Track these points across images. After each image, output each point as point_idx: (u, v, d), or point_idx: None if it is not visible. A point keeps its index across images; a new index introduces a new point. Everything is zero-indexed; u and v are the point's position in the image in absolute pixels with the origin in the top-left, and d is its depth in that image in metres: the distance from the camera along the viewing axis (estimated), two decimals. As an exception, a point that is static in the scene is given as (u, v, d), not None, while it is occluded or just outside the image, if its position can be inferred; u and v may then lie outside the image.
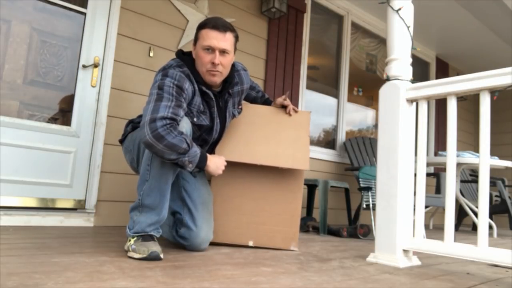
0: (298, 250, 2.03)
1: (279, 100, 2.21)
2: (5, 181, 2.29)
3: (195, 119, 1.78)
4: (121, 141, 1.98)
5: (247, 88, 2.07)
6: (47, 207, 2.44)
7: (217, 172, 1.74)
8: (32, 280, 1.07)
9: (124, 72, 2.73)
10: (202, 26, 1.77)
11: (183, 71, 1.71)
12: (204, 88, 1.78)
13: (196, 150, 1.61)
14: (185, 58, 1.80)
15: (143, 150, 1.68)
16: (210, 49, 1.73)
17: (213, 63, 1.72)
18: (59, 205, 2.48)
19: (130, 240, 1.57)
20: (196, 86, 1.75)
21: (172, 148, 1.52)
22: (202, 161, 1.64)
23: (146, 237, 1.56)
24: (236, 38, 1.83)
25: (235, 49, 1.84)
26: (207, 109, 1.83)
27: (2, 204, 2.26)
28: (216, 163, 1.72)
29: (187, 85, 1.69)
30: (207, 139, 1.91)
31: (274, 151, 2.04)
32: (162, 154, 1.53)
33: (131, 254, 1.52)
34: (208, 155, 1.69)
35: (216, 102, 1.85)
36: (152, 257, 1.48)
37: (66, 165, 2.51)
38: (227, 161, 1.89)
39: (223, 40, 1.73)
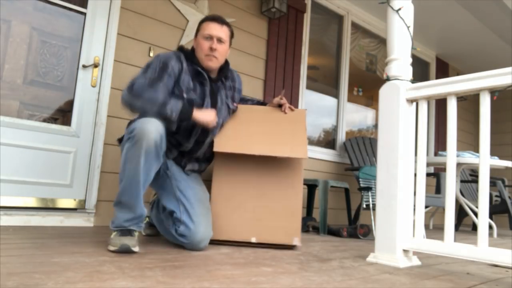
0: (300, 248, 2.03)
1: (276, 99, 2.30)
2: (5, 181, 2.29)
3: (184, 94, 1.90)
4: (120, 140, 1.99)
5: (239, 89, 2.23)
6: (47, 207, 2.44)
7: (207, 120, 1.86)
8: (32, 280, 1.07)
9: (124, 72, 2.73)
10: (203, 20, 2.04)
11: (175, 53, 1.95)
12: (199, 68, 1.97)
13: (177, 101, 1.80)
14: (183, 49, 2.02)
15: (124, 150, 1.71)
16: (209, 37, 1.97)
17: (211, 48, 1.95)
18: (59, 205, 2.48)
19: (111, 234, 1.69)
20: (185, 65, 1.93)
21: (151, 102, 1.74)
22: (186, 111, 1.80)
23: (124, 232, 1.67)
24: (232, 33, 2.08)
25: (230, 43, 2.09)
26: (198, 88, 1.97)
27: (2, 204, 2.26)
28: (203, 113, 1.87)
29: (173, 62, 1.89)
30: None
31: (272, 142, 2.07)
32: (144, 109, 1.74)
33: (109, 247, 1.63)
34: (195, 108, 1.84)
35: (209, 83, 2.00)
36: (123, 250, 1.58)
37: (66, 165, 2.51)
38: (226, 153, 2.01)
39: (221, 30, 1.99)
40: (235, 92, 2.19)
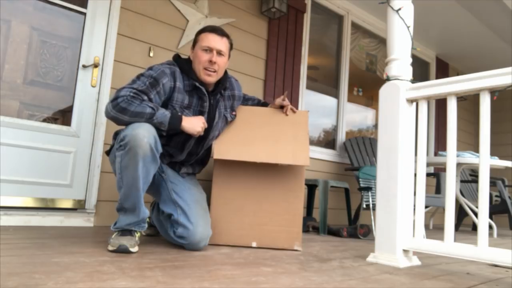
0: (301, 250, 2.03)
1: (278, 100, 2.23)
2: (5, 181, 2.29)
3: (179, 114, 1.83)
4: (108, 153, 1.96)
5: (239, 96, 2.16)
6: (47, 207, 2.44)
7: (195, 130, 1.80)
8: (32, 280, 1.07)
9: (124, 72, 2.73)
10: (201, 31, 1.95)
11: (169, 68, 1.84)
12: (197, 84, 1.88)
13: (163, 112, 1.72)
14: (179, 60, 1.94)
15: (117, 158, 1.70)
16: (208, 49, 1.88)
17: (210, 61, 1.87)
18: (59, 205, 2.48)
19: (113, 234, 1.69)
20: (178, 83, 1.85)
21: (138, 116, 1.66)
22: (175, 121, 1.74)
23: (124, 232, 1.68)
24: (231, 45, 2.00)
25: (229, 56, 2.01)
26: (196, 103, 1.91)
27: (2, 204, 2.26)
28: (191, 122, 1.80)
29: (165, 81, 1.80)
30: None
31: (274, 149, 2.03)
32: (132, 122, 1.66)
33: (108, 247, 1.63)
34: (183, 116, 1.78)
35: (208, 97, 1.94)
36: (120, 250, 1.58)
37: (66, 165, 2.51)
38: (227, 160, 1.92)
39: (221, 42, 1.91)
40: (235, 100, 2.13)
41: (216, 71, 1.90)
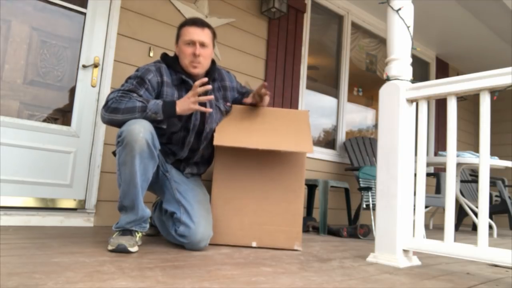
0: (301, 250, 2.03)
1: (258, 89, 2.10)
2: (5, 181, 2.29)
3: (171, 100, 1.84)
4: (115, 153, 1.96)
5: (231, 87, 2.16)
6: (47, 207, 2.44)
7: (190, 108, 1.77)
8: (32, 280, 1.06)
9: (124, 72, 2.72)
10: (182, 25, 1.97)
11: (155, 65, 1.90)
12: (184, 77, 1.92)
13: (155, 101, 1.74)
14: (166, 57, 1.98)
15: (116, 156, 1.73)
16: (191, 43, 1.91)
17: (194, 54, 1.89)
18: (59, 205, 2.48)
19: (113, 234, 1.70)
20: (166, 78, 1.89)
21: (130, 111, 1.69)
22: (169, 109, 1.74)
23: (125, 232, 1.69)
24: (214, 34, 2.01)
25: (214, 45, 2.02)
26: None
27: (2, 204, 2.26)
28: (182, 103, 1.77)
29: (150, 76, 1.84)
30: (188, 126, 1.93)
31: (275, 138, 2.01)
32: (127, 119, 1.67)
33: (108, 246, 1.63)
34: (176, 101, 1.78)
35: None
36: (119, 250, 1.57)
37: (66, 165, 2.51)
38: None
39: (202, 34, 1.92)
40: (227, 91, 2.13)
41: (201, 63, 1.93)
